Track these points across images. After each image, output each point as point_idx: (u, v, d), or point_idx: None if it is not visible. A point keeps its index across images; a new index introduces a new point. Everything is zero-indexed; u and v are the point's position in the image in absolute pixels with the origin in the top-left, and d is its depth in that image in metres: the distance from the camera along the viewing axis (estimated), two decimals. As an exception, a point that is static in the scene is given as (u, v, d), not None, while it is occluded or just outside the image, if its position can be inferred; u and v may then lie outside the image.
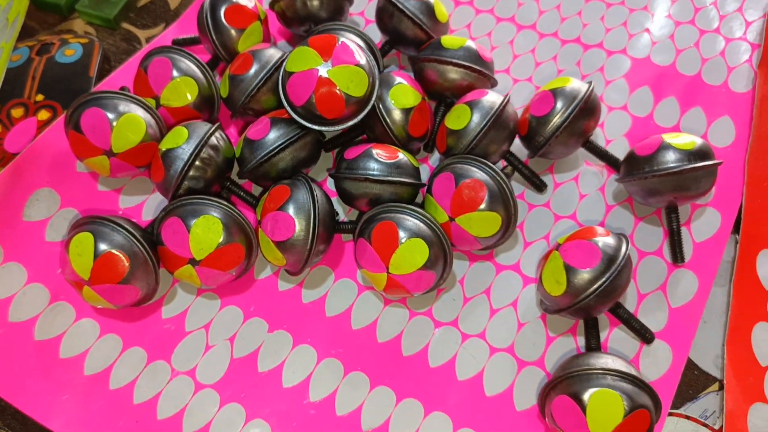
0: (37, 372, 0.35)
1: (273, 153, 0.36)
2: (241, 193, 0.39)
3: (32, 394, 0.34)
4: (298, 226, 0.34)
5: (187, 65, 0.39)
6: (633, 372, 0.30)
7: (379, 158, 0.36)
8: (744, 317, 0.35)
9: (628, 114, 0.43)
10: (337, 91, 0.35)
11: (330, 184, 0.41)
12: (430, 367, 0.35)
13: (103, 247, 0.33)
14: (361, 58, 0.36)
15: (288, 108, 0.36)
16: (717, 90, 0.43)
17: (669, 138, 0.36)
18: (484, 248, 0.36)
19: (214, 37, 0.41)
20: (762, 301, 0.36)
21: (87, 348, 0.35)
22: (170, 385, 0.35)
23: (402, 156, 0.36)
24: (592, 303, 0.32)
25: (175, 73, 0.39)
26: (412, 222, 0.34)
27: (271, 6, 0.44)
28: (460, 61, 0.39)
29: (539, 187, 0.40)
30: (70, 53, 0.46)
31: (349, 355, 0.35)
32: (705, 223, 0.38)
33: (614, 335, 0.35)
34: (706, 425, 0.33)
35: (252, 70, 0.39)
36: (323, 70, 0.35)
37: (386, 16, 0.43)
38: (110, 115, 0.36)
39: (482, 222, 0.34)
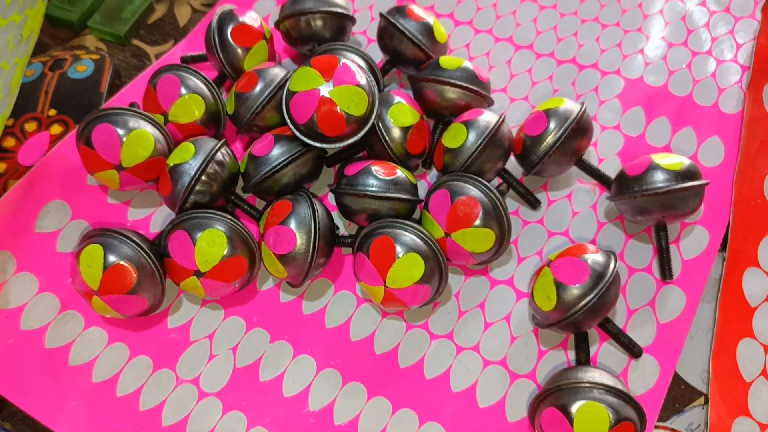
0: (46, 378, 0.36)
1: (276, 169, 0.37)
2: (245, 207, 0.40)
3: (42, 400, 0.35)
4: (299, 240, 0.35)
5: (195, 83, 0.41)
6: (619, 386, 0.31)
7: (378, 175, 0.37)
8: (729, 333, 0.37)
9: (621, 133, 0.44)
10: (338, 111, 0.36)
11: (331, 199, 0.42)
12: (426, 378, 0.36)
13: (112, 258, 0.34)
14: (362, 78, 0.38)
15: (291, 126, 0.38)
16: (707, 111, 0.45)
17: (657, 158, 0.37)
18: (479, 263, 0.38)
19: (221, 56, 0.43)
20: (747, 317, 0.37)
21: (95, 356, 0.37)
22: (175, 393, 0.36)
23: (400, 173, 0.38)
24: (582, 318, 0.33)
25: (183, 90, 0.40)
26: (408, 237, 0.35)
27: (277, 25, 0.45)
28: (457, 82, 0.40)
29: (533, 204, 0.41)
30: (82, 69, 0.47)
31: (348, 365, 0.37)
32: (693, 240, 0.40)
33: (604, 349, 0.36)
34: (691, 437, 0.35)
35: (257, 89, 0.40)
36: (325, 90, 0.36)
37: (387, 36, 0.44)
38: (120, 131, 0.37)
39: (477, 238, 0.36)
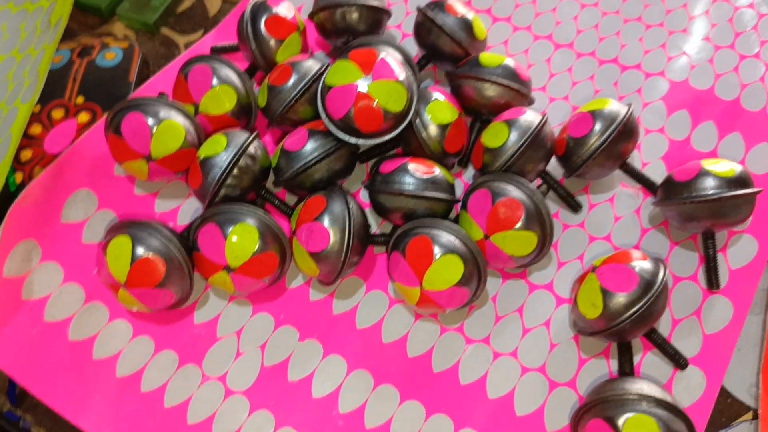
0: (69, 371, 0.35)
1: (309, 164, 0.36)
2: (276, 202, 0.39)
3: (65, 394, 0.34)
4: (333, 238, 0.34)
5: (227, 74, 0.40)
6: (669, 399, 0.29)
7: (415, 173, 0.36)
8: (780, 347, 0.35)
9: (666, 137, 0.43)
10: (376, 106, 0.35)
11: (363, 196, 0.41)
12: (461, 384, 0.35)
13: (140, 251, 0.33)
14: (401, 73, 0.36)
15: (326, 120, 0.37)
16: (756, 116, 0.43)
17: (708, 164, 0.36)
18: (518, 267, 0.36)
19: (253, 47, 0.42)
20: (798, 331, 0.35)
21: (120, 349, 0.36)
22: (201, 390, 0.35)
23: (438, 171, 0.36)
24: (628, 327, 0.32)
25: (214, 81, 0.39)
26: (447, 238, 0.34)
27: (311, 17, 0.44)
28: (498, 79, 0.39)
29: (574, 207, 0.40)
30: (110, 57, 0.46)
31: (379, 367, 0.36)
32: (741, 249, 0.38)
33: (647, 359, 0.35)
34: (738, 455, 0.33)
35: (291, 82, 0.39)
36: (363, 85, 0.35)
37: (424, 31, 0.43)
38: (150, 121, 0.36)
39: (517, 241, 0.34)
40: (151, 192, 0.41)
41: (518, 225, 0.34)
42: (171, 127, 0.36)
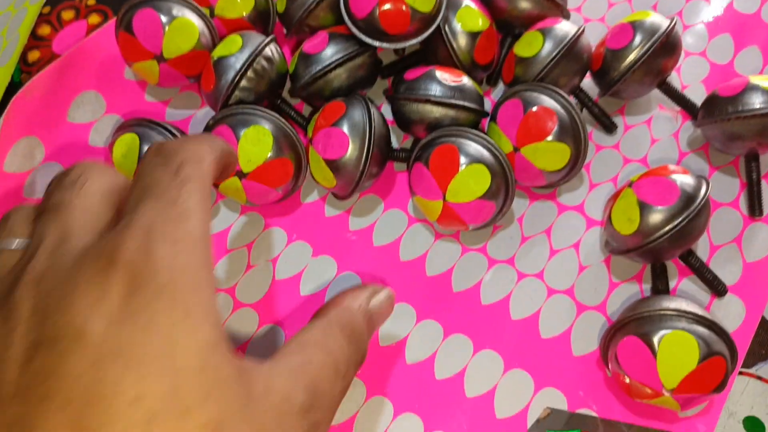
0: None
1: (329, 68, 0.34)
2: (292, 113, 0.37)
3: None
4: (352, 145, 0.32)
5: (245, -24, 0.37)
6: (710, 316, 0.27)
7: (443, 80, 0.33)
8: (825, 277, 0.33)
9: (707, 60, 0.40)
10: (403, 5, 0.33)
11: (385, 112, 0.38)
12: (482, 304, 0.33)
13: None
14: (431, -28, 0.34)
15: (348, 21, 0.34)
16: (805, 41, 0.40)
17: (757, 80, 0.33)
18: (548, 185, 0.34)
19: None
20: None
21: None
22: (208, 302, 0.33)
23: (467, 80, 0.34)
24: (665, 245, 0.29)
25: (232, -18, 0.37)
26: (474, 147, 0.32)
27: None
28: (533, -12, 0.36)
29: (609, 127, 0.37)
30: (122, -38, 0.44)
31: (396, 286, 0.34)
32: (787, 176, 0.36)
33: (682, 286, 0.33)
34: (777, 387, 0.31)
35: (311, -15, 0.37)
36: (390, -18, 0.33)
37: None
38: (164, 18, 0.34)
39: (549, 154, 0.32)
40: (162, 100, 0.38)
41: (550, 137, 0.32)
42: (184, 25, 0.34)
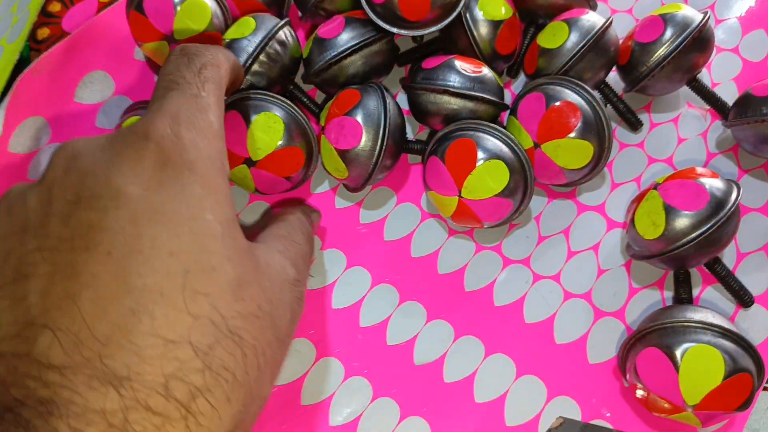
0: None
1: (344, 54, 0.33)
2: (305, 99, 0.35)
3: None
4: (366, 135, 0.31)
5: (260, -44, 0.36)
6: (736, 330, 0.26)
7: (462, 71, 0.32)
8: None
9: (740, 57, 0.38)
10: (424, -10, 0.31)
11: (401, 102, 0.37)
12: (495, 305, 0.32)
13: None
14: (454, -44, 0.32)
15: (365, 5, 0.33)
16: None
17: (794, 80, 0.31)
18: (568, 183, 0.33)
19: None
20: None
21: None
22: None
23: (487, 71, 0.33)
24: (691, 251, 0.28)
25: (246, -39, 0.35)
26: (493, 142, 0.30)
27: None
28: (561, -24, 0.35)
29: (634, 125, 0.36)
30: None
31: (406, 283, 0.32)
32: (820, 182, 0.34)
33: (706, 294, 0.31)
34: (802, 404, 0.30)
35: (328, -34, 0.35)
36: (411, -35, 0.31)
37: None
38: (176, -1, 0.33)
39: (571, 151, 0.30)
40: (171, 82, 0.37)
41: (573, 133, 0.30)
42: (197, 5, 0.33)
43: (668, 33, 0.33)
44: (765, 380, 0.29)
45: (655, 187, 0.30)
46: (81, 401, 0.17)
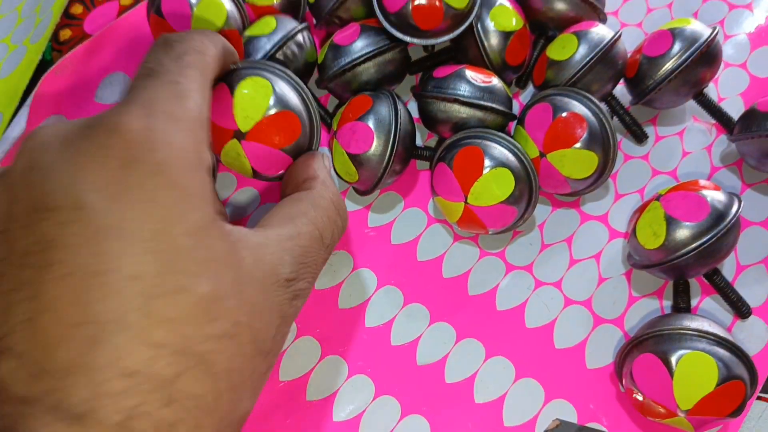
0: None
1: (358, 61, 0.34)
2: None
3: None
4: (377, 141, 0.32)
5: (277, -37, 0.37)
6: (732, 339, 0.27)
7: (472, 80, 0.33)
8: None
9: (747, 73, 0.39)
10: (437, 1, 0.32)
11: (412, 109, 0.38)
12: (497, 310, 0.32)
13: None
14: (467, -31, 0.33)
15: (380, 14, 0.34)
16: None
17: (798, 97, 0.32)
18: (572, 193, 0.33)
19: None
20: None
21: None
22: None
23: (496, 81, 0.33)
24: (691, 262, 0.29)
25: (264, -32, 0.36)
26: (500, 151, 0.31)
27: None
28: (571, -11, 0.36)
29: (640, 137, 0.36)
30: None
31: (411, 286, 0.33)
32: (822, 198, 0.34)
33: (705, 305, 0.32)
34: (797, 415, 0.30)
35: (344, -26, 0.36)
36: (425, -24, 0.32)
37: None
38: (192, 0, 0.34)
39: (576, 161, 0.31)
40: (188, 83, 0.38)
41: (578, 144, 0.31)
42: (213, 5, 0.34)
43: (676, 47, 0.33)
44: (759, 388, 0.30)
45: (658, 198, 0.30)
46: None
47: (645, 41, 0.35)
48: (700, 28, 0.34)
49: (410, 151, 0.34)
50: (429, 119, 0.34)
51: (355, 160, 0.32)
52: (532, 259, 0.34)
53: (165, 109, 0.20)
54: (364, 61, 0.34)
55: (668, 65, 0.33)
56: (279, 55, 0.33)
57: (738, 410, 0.26)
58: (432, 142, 0.37)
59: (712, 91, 0.38)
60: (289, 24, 0.34)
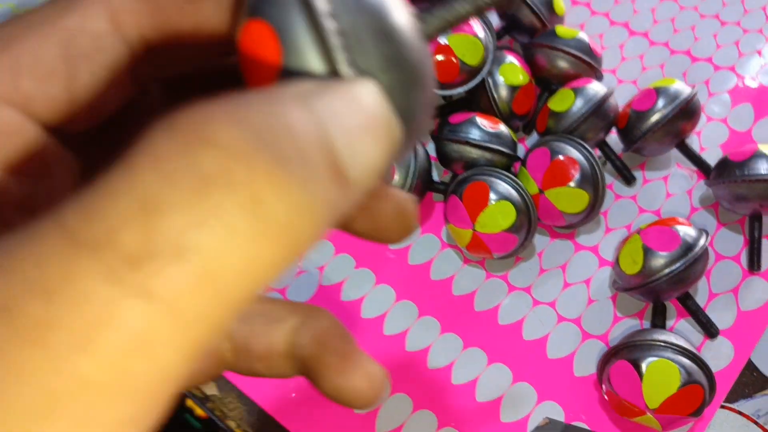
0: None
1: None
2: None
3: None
4: (398, 175, 0.37)
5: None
6: (694, 350, 0.31)
7: (482, 126, 0.38)
8: (812, 331, 0.36)
9: (727, 126, 0.44)
10: (453, 58, 0.38)
11: (429, 150, 0.44)
12: (499, 324, 0.37)
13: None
14: (480, 32, 0.39)
15: (406, 68, 0.39)
16: (821, 117, 0.44)
17: (765, 148, 0.37)
18: (567, 226, 0.39)
19: None
20: (834, 318, 0.36)
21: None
22: (262, 298, 0.38)
23: (503, 128, 0.39)
24: (664, 286, 0.33)
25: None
26: (503, 186, 0.36)
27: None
28: (571, 51, 0.41)
29: (629, 180, 0.41)
30: None
31: (425, 301, 0.38)
32: (787, 238, 0.39)
33: (680, 325, 0.37)
34: (757, 423, 0.34)
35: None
36: (443, 37, 0.38)
37: (506, 1, 0.45)
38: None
39: (570, 198, 0.36)
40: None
41: (572, 183, 0.36)
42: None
43: (660, 103, 0.39)
44: (722, 397, 0.34)
45: (638, 231, 0.35)
46: None
47: (634, 97, 0.40)
48: (681, 87, 0.39)
49: (427, 185, 0.39)
50: (444, 158, 0.40)
51: (380, 190, 0.38)
52: (531, 281, 0.39)
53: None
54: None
55: (653, 118, 0.39)
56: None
57: (698, 411, 0.30)
58: (447, 178, 0.43)
59: (695, 141, 0.43)
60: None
